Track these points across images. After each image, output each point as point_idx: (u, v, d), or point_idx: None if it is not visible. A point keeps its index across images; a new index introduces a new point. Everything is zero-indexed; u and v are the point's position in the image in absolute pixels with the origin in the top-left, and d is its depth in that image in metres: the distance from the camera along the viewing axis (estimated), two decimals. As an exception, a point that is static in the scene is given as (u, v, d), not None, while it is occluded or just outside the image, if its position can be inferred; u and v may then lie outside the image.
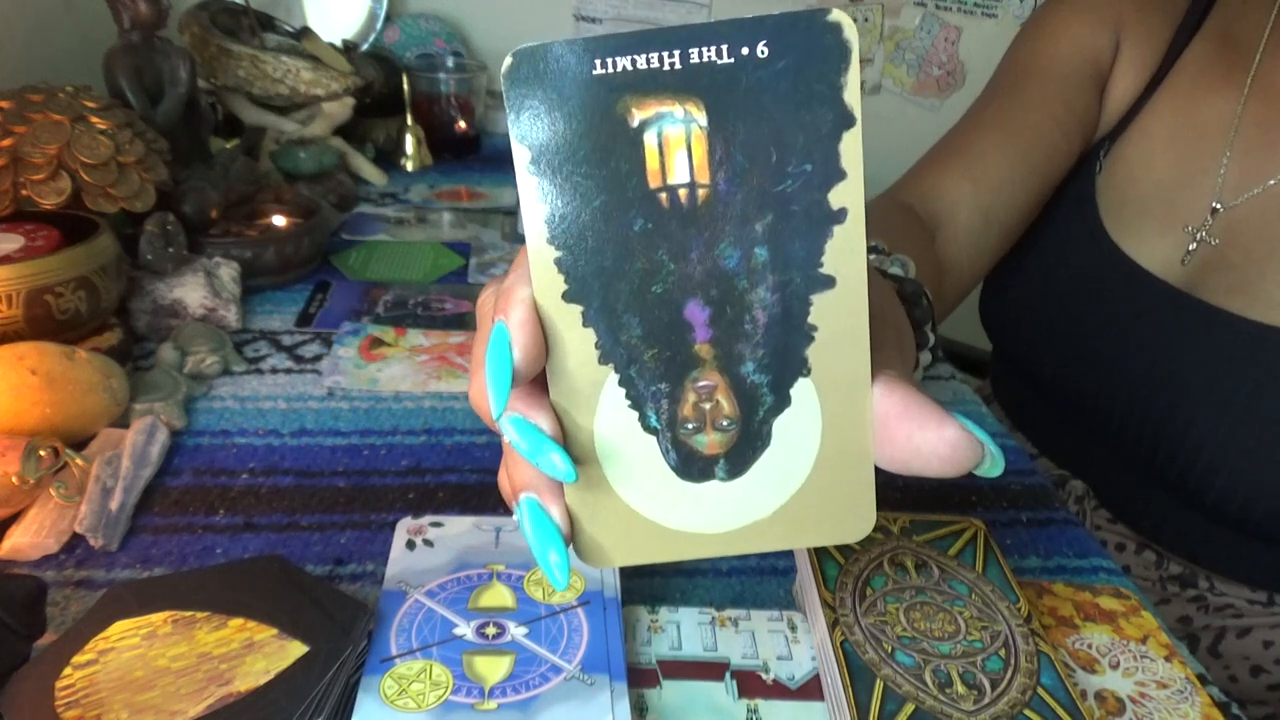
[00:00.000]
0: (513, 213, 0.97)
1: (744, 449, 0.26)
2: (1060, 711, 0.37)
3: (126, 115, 0.67)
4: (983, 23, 1.39)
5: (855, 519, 0.26)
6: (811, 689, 0.41)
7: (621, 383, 0.25)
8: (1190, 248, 0.64)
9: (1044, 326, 0.72)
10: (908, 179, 0.70)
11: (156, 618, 0.39)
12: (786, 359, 0.25)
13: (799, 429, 0.25)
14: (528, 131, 0.23)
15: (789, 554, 0.49)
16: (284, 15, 1.09)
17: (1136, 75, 0.69)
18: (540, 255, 0.24)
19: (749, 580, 0.47)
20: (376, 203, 0.97)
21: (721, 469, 0.26)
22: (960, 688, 0.37)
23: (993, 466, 0.26)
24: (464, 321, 0.72)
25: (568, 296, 0.24)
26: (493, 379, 0.24)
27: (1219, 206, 0.63)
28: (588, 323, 0.24)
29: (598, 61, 0.23)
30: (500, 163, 1.14)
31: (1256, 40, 0.65)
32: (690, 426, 0.25)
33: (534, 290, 0.24)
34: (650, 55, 0.23)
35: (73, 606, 0.43)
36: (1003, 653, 0.39)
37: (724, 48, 0.23)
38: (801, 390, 0.25)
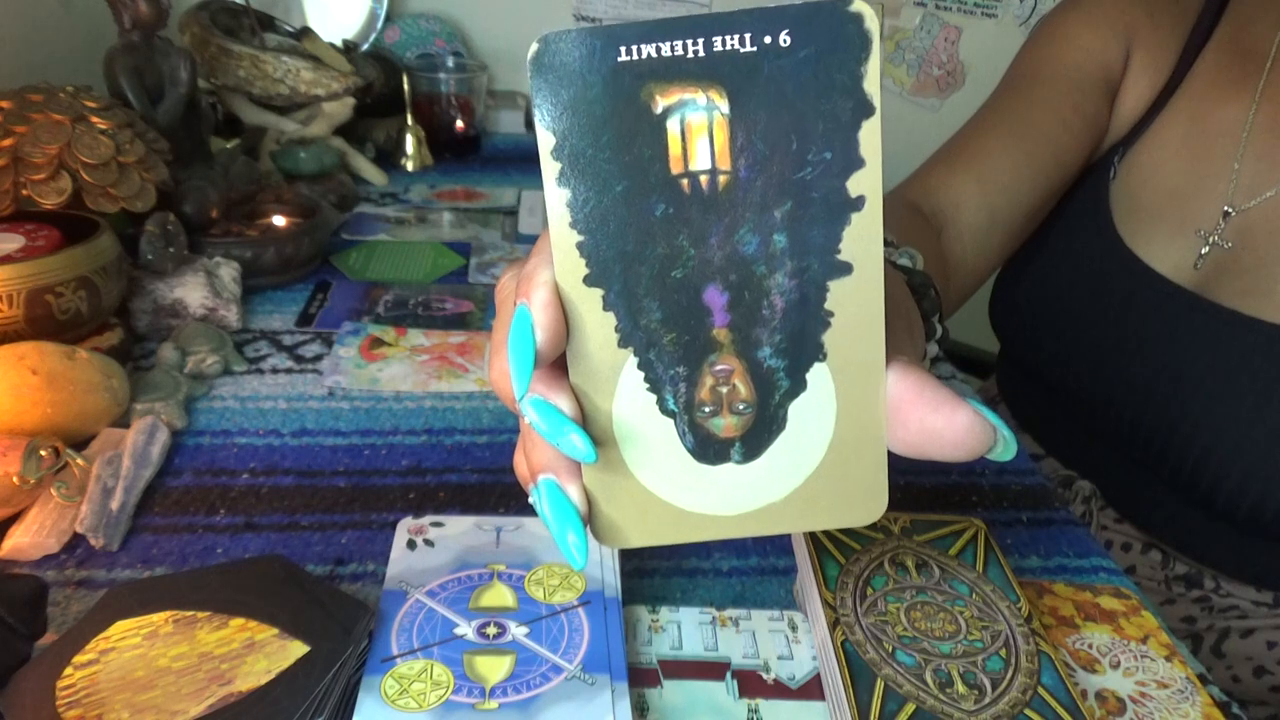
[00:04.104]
0: (513, 212, 0.97)
1: (760, 432, 0.26)
2: (1061, 711, 0.37)
3: (127, 115, 0.67)
4: (983, 23, 1.39)
5: (868, 502, 0.27)
6: (812, 689, 0.41)
7: (640, 366, 0.25)
8: (1203, 251, 0.64)
9: (1055, 329, 0.72)
10: (914, 178, 0.70)
11: (157, 617, 0.39)
12: (803, 344, 0.25)
13: (814, 413, 0.26)
14: (552, 117, 0.23)
15: (790, 554, 0.49)
16: (284, 15, 1.09)
17: (1149, 83, 0.69)
18: (562, 239, 0.24)
19: (750, 580, 0.47)
20: (377, 203, 0.97)
21: (737, 452, 0.26)
22: (961, 687, 0.37)
23: (1005, 451, 0.26)
24: (464, 321, 0.72)
25: (589, 280, 0.25)
26: (515, 361, 0.24)
27: (1231, 210, 0.64)
28: (608, 306, 0.25)
29: (622, 49, 0.23)
30: (500, 163, 1.14)
31: (1267, 47, 0.65)
32: (707, 410, 0.26)
33: (556, 273, 0.25)
34: (674, 43, 0.23)
35: (74, 606, 0.43)
36: (1003, 652, 0.39)
37: (747, 36, 0.23)
38: (817, 375, 0.25)
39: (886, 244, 0.47)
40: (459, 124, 1.14)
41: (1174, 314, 0.64)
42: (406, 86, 1.05)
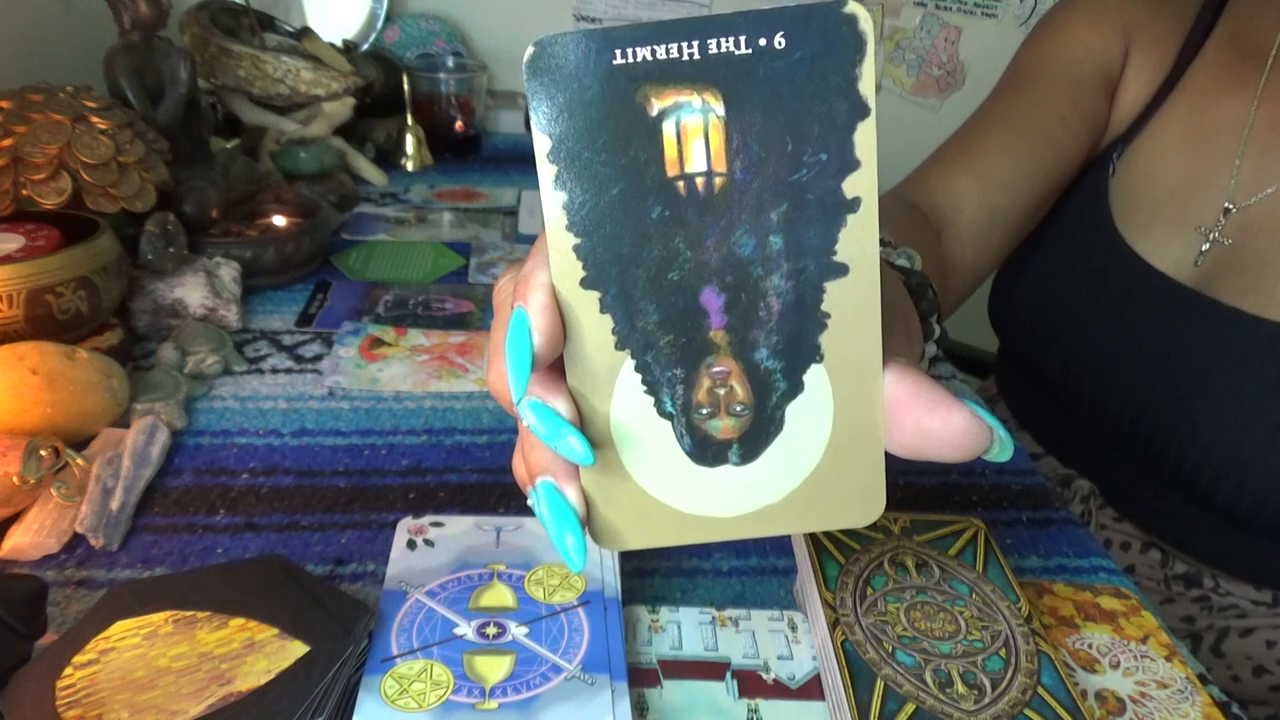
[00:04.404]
0: (513, 212, 0.97)
1: (757, 434, 0.26)
2: (1061, 711, 0.37)
3: (127, 115, 0.67)
4: (983, 23, 1.39)
5: (866, 503, 0.27)
6: (812, 689, 0.41)
7: (638, 368, 0.25)
8: (1203, 248, 0.64)
9: (1055, 326, 0.72)
10: (914, 177, 0.70)
11: (157, 617, 0.39)
12: (800, 345, 0.25)
13: (811, 414, 0.26)
14: (548, 120, 0.23)
15: (790, 554, 0.49)
16: (284, 15, 1.09)
17: (1148, 80, 0.69)
18: (559, 242, 0.24)
19: (750, 580, 0.47)
20: (377, 203, 0.97)
21: (735, 454, 0.26)
22: (961, 687, 0.37)
23: (1001, 451, 0.26)
24: (464, 321, 0.72)
25: (586, 283, 0.25)
26: (513, 364, 0.24)
27: (1232, 207, 0.64)
28: (605, 309, 0.25)
29: (617, 51, 0.23)
30: (500, 163, 1.14)
31: (1269, 44, 0.65)
32: (705, 411, 0.26)
33: (552, 276, 0.25)
34: (669, 45, 0.23)
35: (74, 606, 0.43)
36: (1003, 652, 0.39)
37: (742, 38, 0.23)
38: (814, 376, 0.25)
39: (884, 244, 0.47)
40: (459, 124, 1.14)
41: (1174, 311, 0.64)
42: (406, 86, 1.05)
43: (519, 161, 1.15)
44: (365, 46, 1.21)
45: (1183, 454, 0.63)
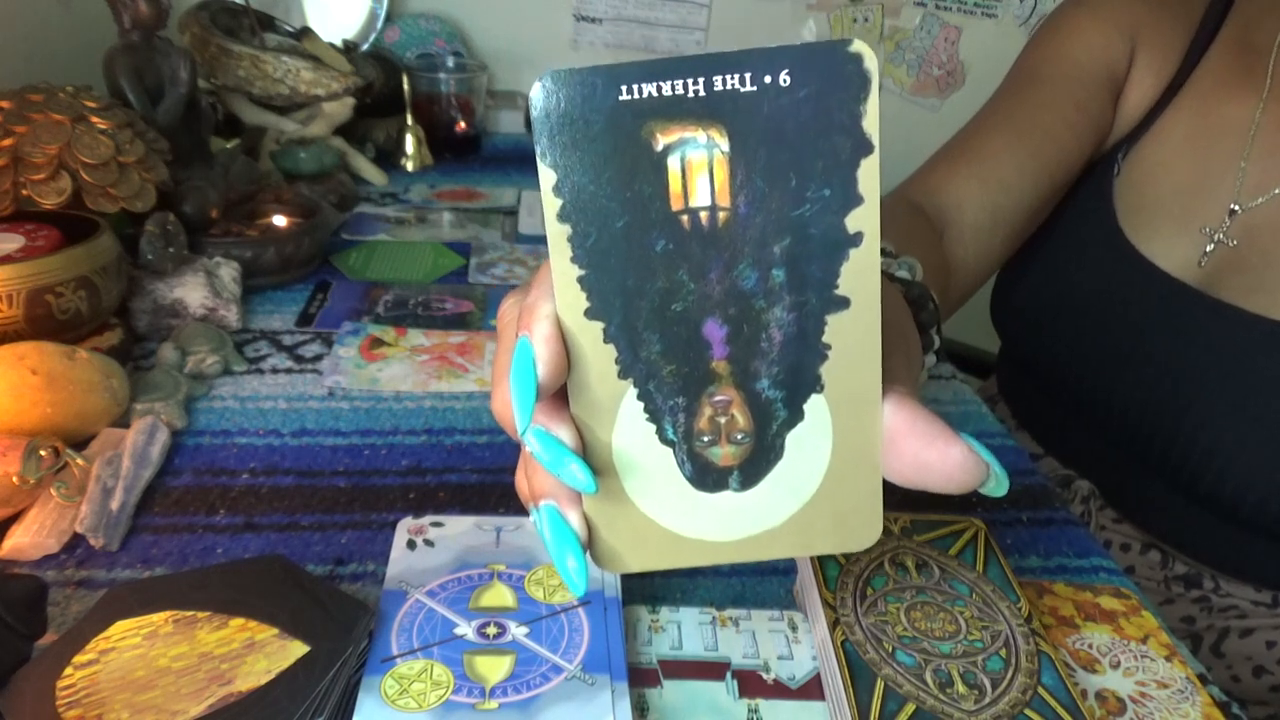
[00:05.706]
0: (513, 212, 0.97)
1: (757, 461, 0.26)
2: (1061, 711, 0.37)
3: (127, 115, 0.67)
4: (983, 23, 1.39)
5: (862, 528, 0.27)
6: (812, 689, 0.41)
7: (640, 397, 0.26)
8: (1208, 249, 0.64)
9: (1057, 326, 0.72)
10: (916, 177, 0.70)
11: (157, 617, 0.39)
12: (800, 376, 0.25)
13: (811, 442, 0.26)
14: (554, 154, 0.24)
15: (790, 554, 0.49)
16: (284, 15, 1.09)
17: (1154, 81, 0.69)
18: (563, 273, 0.25)
19: (750, 580, 0.47)
20: (377, 203, 0.97)
21: (735, 480, 0.26)
22: (961, 687, 0.37)
23: (997, 486, 0.26)
24: (464, 321, 0.72)
25: (590, 314, 0.25)
26: (517, 393, 0.24)
27: (1237, 208, 0.64)
28: (608, 339, 0.25)
29: (623, 87, 0.23)
30: (500, 163, 1.14)
31: (1274, 45, 0.65)
32: (706, 439, 0.26)
33: (557, 307, 0.25)
34: (675, 82, 0.23)
35: (73, 606, 0.43)
36: (1003, 652, 0.39)
37: (747, 75, 0.23)
38: (814, 405, 0.26)
39: (885, 253, 0.47)
40: (459, 124, 1.14)
41: (1178, 311, 0.64)
42: (406, 86, 1.05)
43: (519, 161, 1.15)
44: (365, 46, 1.21)
45: (1186, 454, 0.63)
